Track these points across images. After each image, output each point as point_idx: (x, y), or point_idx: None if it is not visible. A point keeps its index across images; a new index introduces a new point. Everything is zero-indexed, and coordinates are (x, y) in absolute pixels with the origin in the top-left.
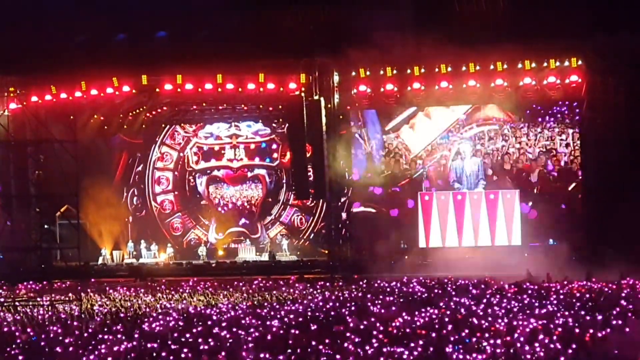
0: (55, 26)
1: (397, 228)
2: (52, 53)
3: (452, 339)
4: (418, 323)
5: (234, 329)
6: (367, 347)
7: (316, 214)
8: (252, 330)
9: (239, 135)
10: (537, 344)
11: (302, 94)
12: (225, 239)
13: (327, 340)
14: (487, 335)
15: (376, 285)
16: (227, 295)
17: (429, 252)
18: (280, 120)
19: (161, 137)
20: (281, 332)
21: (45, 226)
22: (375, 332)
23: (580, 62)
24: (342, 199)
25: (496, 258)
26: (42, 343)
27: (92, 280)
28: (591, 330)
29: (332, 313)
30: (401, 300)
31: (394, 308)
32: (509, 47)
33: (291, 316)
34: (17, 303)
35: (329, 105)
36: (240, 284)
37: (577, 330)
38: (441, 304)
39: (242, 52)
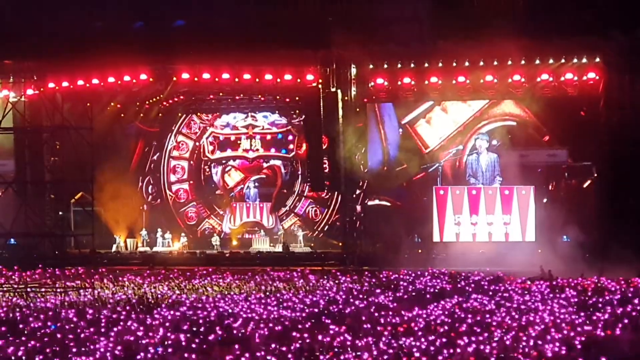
0: (73, 12)
1: (411, 222)
2: (70, 39)
3: (464, 332)
4: (430, 316)
5: (246, 319)
6: (379, 339)
7: (331, 206)
8: (264, 320)
9: (256, 126)
10: (547, 339)
11: (320, 86)
12: (239, 229)
13: (338, 332)
14: (498, 329)
15: (389, 278)
16: (240, 285)
17: (443, 247)
18: (297, 111)
19: (177, 126)
20: (293, 323)
21: (60, 213)
22: (387, 325)
23: (598, 60)
24: (357, 192)
25: (510, 254)
26: (57, 330)
27: (105, 268)
28: (601, 327)
29: (345, 305)
30: (413, 293)
31: (406, 301)
32: (527, 43)
33: (304, 307)
34: (29, 289)
35: (346, 98)
36: (254, 274)
37: (587, 327)
38: (453, 299)
39: (259, 43)
